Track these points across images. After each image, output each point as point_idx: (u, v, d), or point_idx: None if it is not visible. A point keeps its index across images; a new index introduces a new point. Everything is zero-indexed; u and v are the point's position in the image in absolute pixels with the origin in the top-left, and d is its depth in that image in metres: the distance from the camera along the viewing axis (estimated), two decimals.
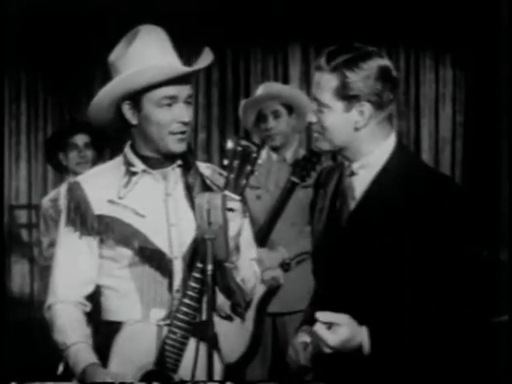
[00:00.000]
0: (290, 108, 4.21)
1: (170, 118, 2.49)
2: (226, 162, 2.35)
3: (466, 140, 6.15)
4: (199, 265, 2.40)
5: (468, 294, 2.25)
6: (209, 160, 6.23)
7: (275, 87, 4.38)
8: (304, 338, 2.38)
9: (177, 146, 2.52)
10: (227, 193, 2.33)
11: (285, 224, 4.08)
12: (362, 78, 2.24)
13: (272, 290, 4.03)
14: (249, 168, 2.33)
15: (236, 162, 2.33)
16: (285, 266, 4.12)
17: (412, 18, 5.93)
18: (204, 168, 2.66)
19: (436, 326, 2.24)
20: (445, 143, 6.19)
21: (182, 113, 2.50)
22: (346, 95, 2.25)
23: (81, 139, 4.36)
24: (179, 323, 2.43)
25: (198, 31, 5.76)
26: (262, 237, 3.95)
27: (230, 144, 2.35)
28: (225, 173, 2.56)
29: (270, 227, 4.01)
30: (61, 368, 2.61)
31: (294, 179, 4.01)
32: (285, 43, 6.26)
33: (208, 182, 2.60)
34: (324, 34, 6.04)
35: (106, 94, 2.51)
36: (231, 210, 2.33)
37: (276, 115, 4.18)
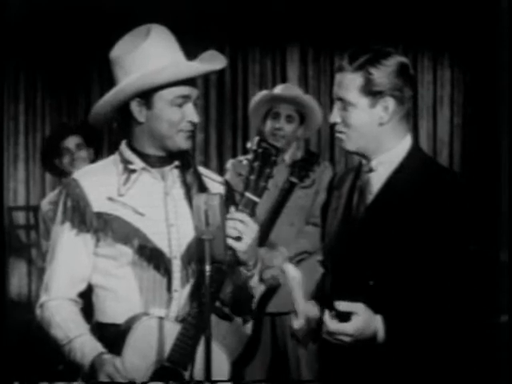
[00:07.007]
0: (302, 117, 4.23)
1: (181, 116, 2.52)
2: (245, 161, 2.37)
3: (463, 142, 6.15)
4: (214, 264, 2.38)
5: (468, 293, 2.29)
6: (206, 161, 6.24)
7: (297, 92, 4.37)
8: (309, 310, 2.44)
9: (185, 142, 2.55)
10: (247, 194, 2.36)
11: (284, 224, 4.10)
12: (385, 73, 2.33)
13: (271, 289, 4.03)
14: (268, 170, 2.37)
15: (256, 164, 2.36)
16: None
17: (410, 20, 5.94)
18: (201, 168, 2.68)
19: (437, 323, 2.27)
20: (443, 145, 6.20)
21: (192, 113, 2.53)
22: (371, 91, 2.34)
23: (72, 142, 4.33)
24: (193, 321, 2.43)
25: (197, 32, 5.76)
26: (261, 237, 3.95)
27: (250, 145, 2.38)
28: (220, 178, 2.57)
29: (268, 227, 4.02)
30: (61, 367, 2.60)
31: (293, 179, 4.04)
32: (283, 45, 6.26)
33: (206, 179, 2.62)
34: (322, 36, 6.06)
35: (119, 91, 2.51)
36: (250, 214, 2.36)
37: (289, 120, 4.21)
